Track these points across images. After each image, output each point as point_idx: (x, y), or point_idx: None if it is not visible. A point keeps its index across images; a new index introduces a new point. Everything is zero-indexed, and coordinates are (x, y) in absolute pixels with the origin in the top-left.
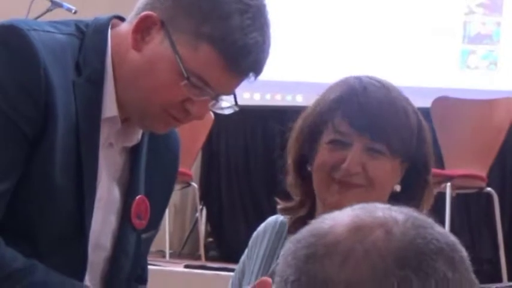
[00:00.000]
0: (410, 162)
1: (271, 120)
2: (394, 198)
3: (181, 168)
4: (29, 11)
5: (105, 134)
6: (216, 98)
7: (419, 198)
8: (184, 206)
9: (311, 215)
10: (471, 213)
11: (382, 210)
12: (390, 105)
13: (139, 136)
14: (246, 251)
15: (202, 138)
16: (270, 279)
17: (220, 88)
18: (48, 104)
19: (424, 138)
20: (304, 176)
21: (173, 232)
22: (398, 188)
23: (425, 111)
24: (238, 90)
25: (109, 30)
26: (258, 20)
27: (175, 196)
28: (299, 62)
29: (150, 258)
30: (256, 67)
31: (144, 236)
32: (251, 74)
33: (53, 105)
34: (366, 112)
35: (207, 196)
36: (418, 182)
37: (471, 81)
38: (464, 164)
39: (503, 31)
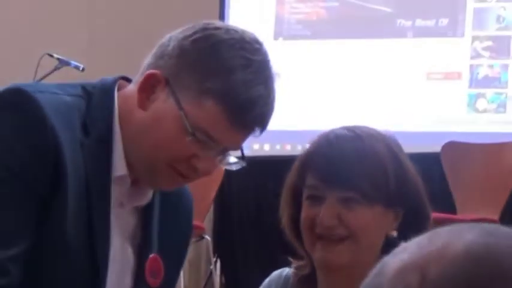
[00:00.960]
0: (402, 209)
1: (282, 170)
2: (391, 245)
3: (194, 222)
4: (37, 69)
5: (116, 193)
6: (223, 153)
7: None
8: (198, 259)
9: (313, 273)
10: None
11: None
12: (358, 153)
13: (150, 196)
14: None
15: (213, 190)
16: None
17: (226, 143)
18: (58, 164)
19: (406, 178)
20: (299, 235)
21: (188, 286)
22: (394, 233)
23: (435, 156)
24: (247, 141)
25: (115, 90)
26: (261, 74)
27: (190, 250)
28: (308, 111)
29: None
30: (260, 121)
31: None
32: (256, 128)
33: (63, 165)
34: (332, 164)
35: (220, 248)
36: (415, 230)
37: (480, 124)
38: (476, 208)
39: (511, 73)
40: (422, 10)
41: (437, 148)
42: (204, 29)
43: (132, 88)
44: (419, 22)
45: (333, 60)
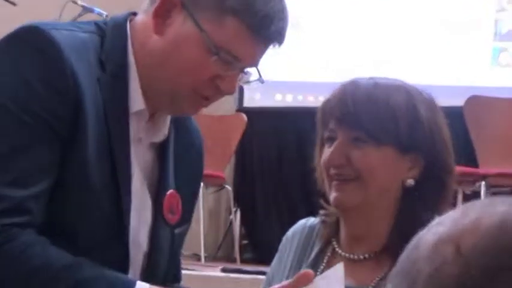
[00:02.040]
0: (420, 157)
1: (304, 121)
2: (409, 193)
3: (214, 171)
4: (61, 16)
5: (134, 128)
6: (243, 70)
7: (433, 200)
8: (218, 209)
9: (337, 222)
10: None
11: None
12: (369, 97)
13: (166, 132)
14: (276, 256)
15: (235, 141)
16: (312, 272)
17: (247, 60)
18: (78, 102)
19: (426, 127)
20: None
21: (208, 235)
22: (411, 182)
23: (457, 110)
24: (270, 92)
25: (128, 25)
26: None
27: (209, 199)
28: (332, 63)
29: (185, 262)
30: (279, 35)
31: (177, 230)
32: (275, 42)
33: (82, 103)
34: (345, 106)
35: (241, 198)
36: (434, 180)
37: (503, 78)
38: (499, 162)
39: None
40: None
41: (459, 101)
42: None
43: (143, 18)
44: None
45: (355, 12)
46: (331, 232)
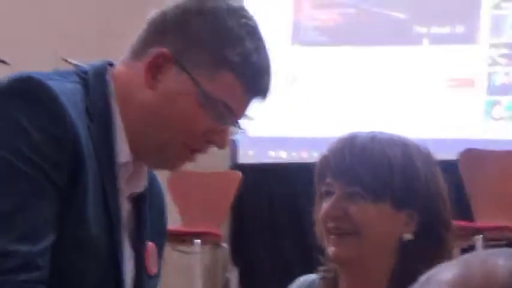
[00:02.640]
0: (416, 212)
1: (298, 177)
2: (407, 248)
3: (211, 229)
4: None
5: (119, 180)
6: (234, 124)
7: (430, 255)
8: (215, 268)
9: (336, 278)
10: None
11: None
12: (367, 146)
13: (146, 183)
14: None
15: (230, 197)
16: None
17: (240, 112)
18: (77, 155)
19: (421, 184)
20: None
21: None
22: (408, 236)
23: (452, 164)
24: (264, 149)
25: (107, 75)
26: (262, 39)
27: (206, 257)
28: (326, 118)
29: None
30: (267, 89)
31: (152, 283)
32: (264, 96)
33: (81, 156)
34: (342, 160)
35: (237, 256)
36: (430, 236)
37: (496, 131)
38: (494, 216)
39: None
40: (438, 17)
41: (453, 155)
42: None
43: (125, 70)
44: (434, 29)
45: (350, 67)
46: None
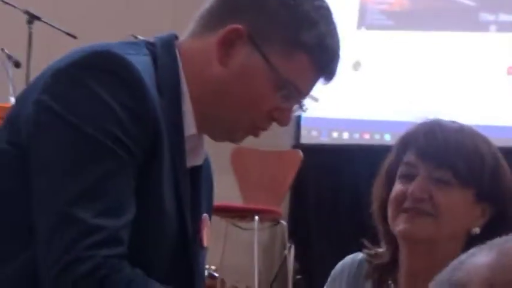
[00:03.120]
0: (491, 207)
1: (359, 158)
2: (472, 243)
3: (270, 207)
4: None
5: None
6: (300, 103)
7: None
8: (273, 244)
9: (394, 262)
10: None
11: None
12: (458, 135)
13: (204, 156)
14: None
15: (291, 176)
16: None
17: (307, 93)
18: (157, 133)
19: (502, 178)
20: (385, 222)
21: (262, 270)
22: (477, 230)
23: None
24: (327, 129)
25: (174, 46)
26: (334, 23)
27: (264, 234)
28: (388, 101)
29: None
30: (336, 71)
31: (204, 255)
32: (332, 78)
33: (161, 134)
34: (432, 141)
35: (295, 234)
36: (499, 232)
37: None
38: None
39: None
40: (506, 4)
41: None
42: None
43: (196, 43)
44: (502, 16)
45: (415, 52)
46: (385, 272)
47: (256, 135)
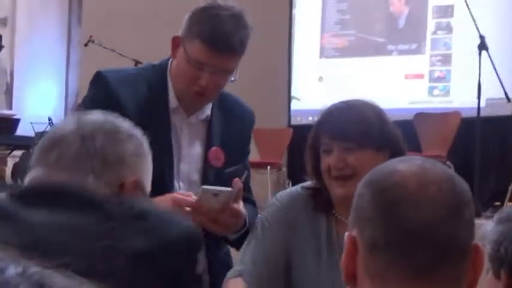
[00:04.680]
0: (388, 150)
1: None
2: None
3: (273, 159)
4: None
5: (179, 117)
6: (216, 71)
7: None
8: (278, 183)
9: (330, 201)
10: None
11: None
12: (350, 117)
13: (208, 112)
14: (269, 228)
15: (286, 142)
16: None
17: (212, 63)
18: (121, 111)
19: (388, 130)
20: (318, 177)
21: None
22: None
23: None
24: (306, 115)
25: (169, 61)
26: (222, 19)
27: (273, 176)
28: (339, 97)
29: None
30: (230, 47)
31: (227, 170)
32: (230, 51)
33: (123, 108)
34: (336, 125)
35: (292, 176)
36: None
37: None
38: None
39: (453, 74)
40: (402, 39)
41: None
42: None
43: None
44: (400, 46)
45: (353, 69)
46: (326, 207)
47: (203, 100)
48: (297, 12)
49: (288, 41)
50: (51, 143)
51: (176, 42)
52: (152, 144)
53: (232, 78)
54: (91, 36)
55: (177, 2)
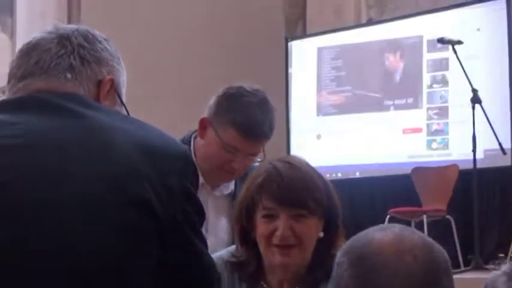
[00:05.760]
0: (326, 215)
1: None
2: (319, 243)
3: None
4: None
5: (205, 192)
6: (247, 156)
7: (334, 239)
8: None
9: (259, 270)
10: None
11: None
12: (300, 179)
13: (232, 187)
14: None
15: None
16: None
17: (245, 150)
18: None
19: (331, 194)
20: (247, 241)
21: None
22: (321, 234)
23: (407, 177)
24: None
25: (192, 137)
26: (255, 107)
27: None
28: (337, 154)
29: None
30: (262, 134)
31: None
32: (261, 139)
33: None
34: (283, 190)
35: None
36: (333, 228)
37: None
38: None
39: (450, 128)
40: (398, 94)
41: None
42: (224, 90)
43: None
44: (397, 101)
45: (351, 126)
46: (255, 276)
47: (231, 178)
48: (293, 70)
49: (285, 99)
50: (29, 48)
51: (204, 124)
52: None
53: (259, 159)
54: None
55: (170, 60)
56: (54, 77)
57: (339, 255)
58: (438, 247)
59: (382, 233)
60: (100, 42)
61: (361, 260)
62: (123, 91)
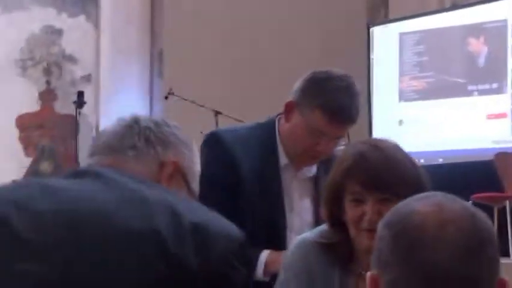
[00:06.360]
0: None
1: None
2: None
3: None
4: None
5: (289, 173)
6: (333, 140)
7: None
8: None
9: (351, 253)
10: None
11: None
12: (386, 163)
13: (315, 170)
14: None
15: None
16: None
17: (331, 133)
18: (238, 176)
19: (420, 177)
20: (338, 224)
21: None
22: None
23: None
24: None
25: (276, 119)
26: (343, 92)
27: None
28: (420, 139)
29: None
30: (347, 119)
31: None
32: (347, 123)
33: (240, 176)
34: (371, 174)
35: None
36: None
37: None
38: None
39: None
40: (482, 79)
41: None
42: (312, 74)
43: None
44: (481, 86)
45: (433, 112)
46: (348, 260)
47: (315, 161)
48: (375, 57)
49: (367, 85)
50: (102, 131)
51: (290, 107)
52: (264, 198)
53: (344, 143)
54: (171, 89)
55: (255, 50)
56: (117, 153)
57: (380, 228)
58: (480, 215)
59: (423, 204)
60: (169, 126)
61: (402, 235)
62: (194, 178)
